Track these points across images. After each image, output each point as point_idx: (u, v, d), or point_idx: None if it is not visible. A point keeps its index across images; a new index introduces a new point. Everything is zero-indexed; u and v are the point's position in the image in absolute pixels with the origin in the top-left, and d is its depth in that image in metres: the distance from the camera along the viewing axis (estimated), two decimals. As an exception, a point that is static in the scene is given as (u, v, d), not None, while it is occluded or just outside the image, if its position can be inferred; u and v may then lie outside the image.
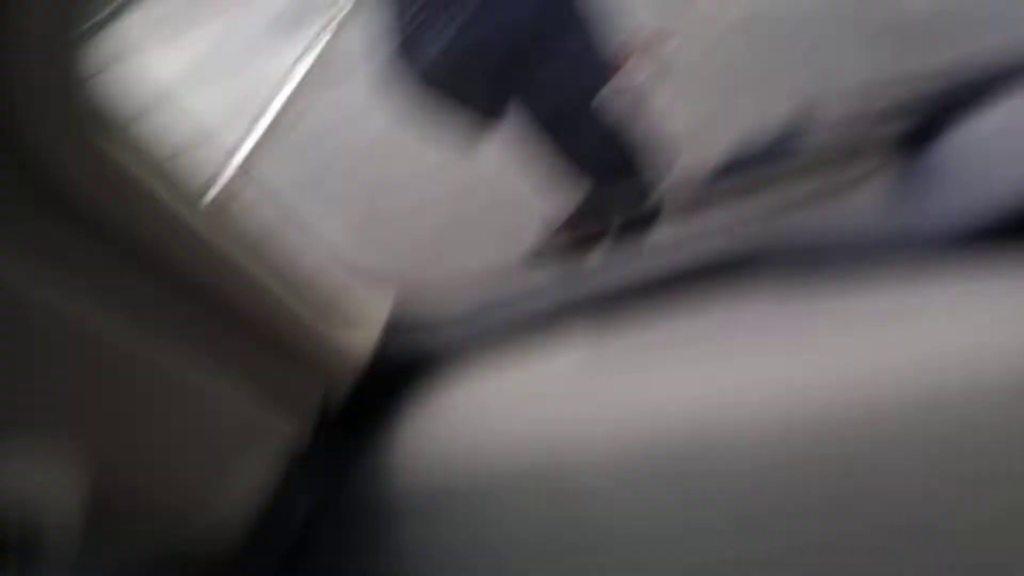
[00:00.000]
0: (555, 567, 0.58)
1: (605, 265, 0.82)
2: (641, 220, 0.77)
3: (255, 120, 4.77)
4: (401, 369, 0.78)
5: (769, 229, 0.76)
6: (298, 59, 5.52)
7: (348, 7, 5.76)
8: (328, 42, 5.63)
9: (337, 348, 0.72)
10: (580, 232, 0.76)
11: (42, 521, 0.48)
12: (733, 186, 0.79)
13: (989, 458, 0.50)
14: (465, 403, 0.75)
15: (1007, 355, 0.52)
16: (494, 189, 2.86)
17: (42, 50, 0.44)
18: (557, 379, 0.73)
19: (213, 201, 0.60)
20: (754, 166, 0.78)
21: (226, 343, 0.61)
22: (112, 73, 0.50)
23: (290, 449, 0.69)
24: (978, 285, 0.59)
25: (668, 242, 0.80)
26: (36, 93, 0.44)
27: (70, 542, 0.50)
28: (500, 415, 0.71)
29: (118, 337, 0.52)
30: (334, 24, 5.82)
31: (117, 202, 0.51)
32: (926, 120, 0.73)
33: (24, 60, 0.43)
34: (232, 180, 4.12)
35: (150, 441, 0.56)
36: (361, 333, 0.75)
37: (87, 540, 0.52)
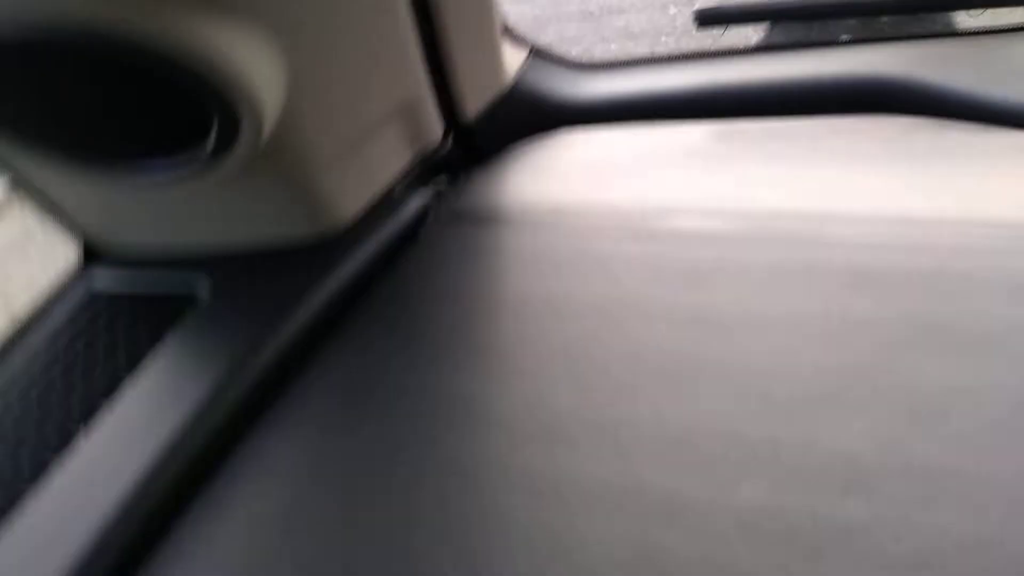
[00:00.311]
0: (644, 286, 0.61)
1: (754, 57, 0.85)
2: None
3: None
4: (531, 105, 0.84)
5: (922, 60, 0.78)
6: None
7: None
8: None
9: (484, 72, 0.77)
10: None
11: (245, 101, 0.49)
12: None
13: None
14: (587, 149, 0.80)
15: None
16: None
17: None
18: (679, 151, 0.76)
19: None
20: None
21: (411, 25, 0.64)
22: None
23: (421, 150, 0.74)
24: None
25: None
26: None
27: (259, 132, 0.52)
28: (617, 166, 0.75)
29: None
30: None
31: None
32: None
33: None
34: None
35: (336, 74, 0.59)
36: (501, 72, 0.81)
37: (269, 142, 0.55)
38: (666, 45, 2.65)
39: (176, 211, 0.67)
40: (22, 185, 0.65)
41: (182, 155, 0.54)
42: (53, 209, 0.68)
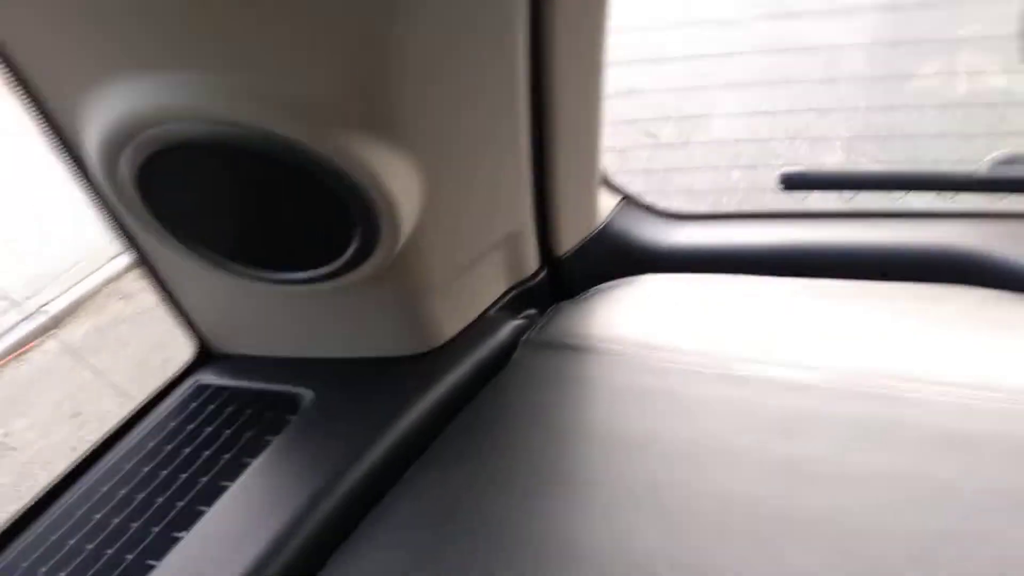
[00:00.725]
0: (715, 426, 0.63)
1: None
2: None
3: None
4: (619, 248, 0.89)
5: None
6: None
7: None
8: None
9: (581, 213, 0.84)
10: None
11: (386, 211, 0.55)
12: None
13: None
14: (672, 294, 0.84)
15: None
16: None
17: None
18: (762, 304, 0.79)
19: None
20: None
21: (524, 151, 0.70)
22: None
23: (516, 279, 0.80)
24: None
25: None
26: None
27: (396, 240, 0.58)
28: (703, 312, 0.79)
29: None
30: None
31: None
32: None
33: None
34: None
35: (463, 200, 0.65)
36: (595, 214, 0.87)
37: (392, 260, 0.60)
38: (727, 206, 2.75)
39: (289, 321, 0.72)
40: (154, 280, 0.71)
41: (321, 266, 0.59)
42: (175, 307, 0.74)
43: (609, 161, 0.87)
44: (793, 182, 0.90)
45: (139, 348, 2.62)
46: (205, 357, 0.78)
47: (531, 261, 0.80)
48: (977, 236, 0.83)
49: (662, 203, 0.98)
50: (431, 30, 0.50)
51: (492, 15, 0.55)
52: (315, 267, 0.60)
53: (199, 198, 0.57)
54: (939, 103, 2.89)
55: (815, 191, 0.90)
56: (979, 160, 0.89)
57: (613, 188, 0.92)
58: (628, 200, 0.93)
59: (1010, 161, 0.86)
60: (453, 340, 0.73)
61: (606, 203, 0.89)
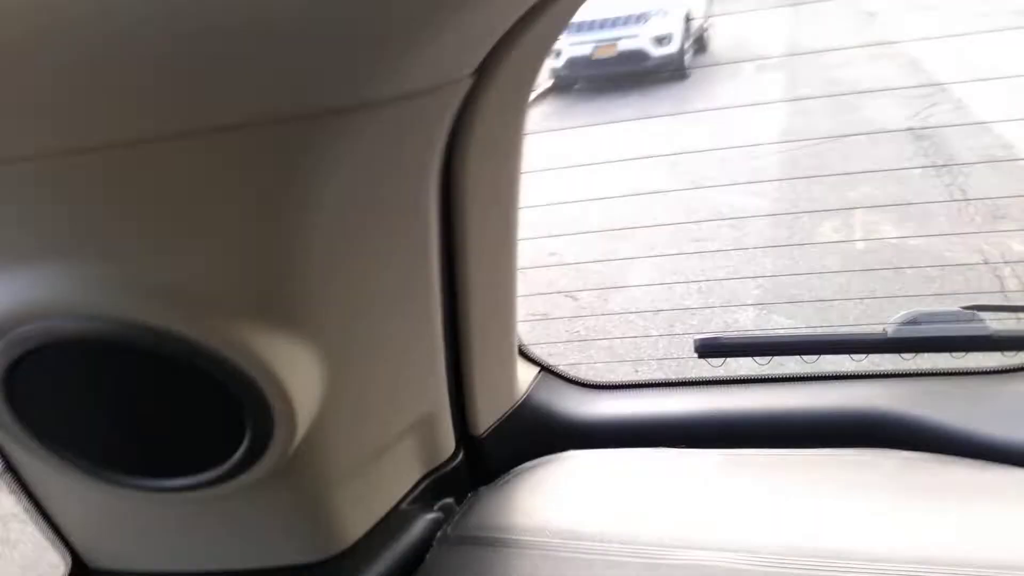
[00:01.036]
0: None
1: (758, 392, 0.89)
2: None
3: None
4: (539, 423, 0.86)
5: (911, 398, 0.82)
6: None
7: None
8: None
9: (498, 389, 0.81)
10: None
11: (281, 407, 0.50)
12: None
13: None
14: (595, 472, 0.81)
15: None
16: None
17: None
18: (687, 478, 0.77)
19: None
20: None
21: (435, 344, 0.67)
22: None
23: (432, 465, 0.75)
24: None
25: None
26: None
27: (291, 438, 0.53)
28: (627, 491, 0.76)
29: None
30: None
31: None
32: None
33: None
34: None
35: (368, 388, 0.61)
36: (513, 389, 0.84)
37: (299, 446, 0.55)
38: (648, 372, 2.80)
39: (171, 533, 0.65)
40: (20, 489, 0.63)
41: (205, 471, 0.54)
42: (45, 519, 0.65)
43: (525, 330, 0.87)
44: (708, 349, 0.91)
45: (28, 549, 2.38)
46: (81, 574, 0.68)
47: (446, 444, 0.75)
48: (892, 396, 0.84)
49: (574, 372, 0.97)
50: (336, 213, 0.48)
51: (402, 194, 0.54)
52: (199, 472, 0.54)
53: (71, 400, 0.52)
54: (839, 267, 3.09)
55: (731, 357, 0.91)
56: (883, 321, 0.92)
57: (530, 359, 0.90)
58: (546, 371, 0.91)
59: (914, 321, 0.89)
60: (361, 540, 0.66)
61: (524, 375, 0.87)
